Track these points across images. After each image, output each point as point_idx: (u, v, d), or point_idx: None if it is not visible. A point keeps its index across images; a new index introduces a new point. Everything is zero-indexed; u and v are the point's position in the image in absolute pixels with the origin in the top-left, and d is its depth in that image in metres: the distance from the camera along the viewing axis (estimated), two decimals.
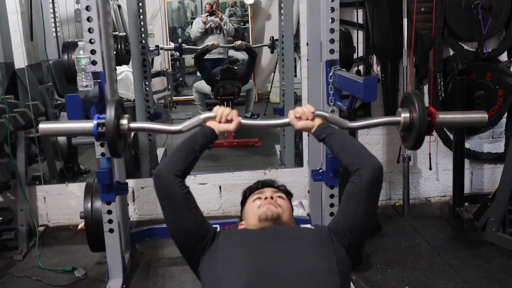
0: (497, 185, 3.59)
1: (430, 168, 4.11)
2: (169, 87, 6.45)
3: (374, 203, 1.73)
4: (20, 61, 4.29)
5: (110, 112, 1.90)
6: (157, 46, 4.91)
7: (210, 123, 1.88)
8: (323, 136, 1.85)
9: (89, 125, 1.96)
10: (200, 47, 6.09)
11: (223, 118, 1.87)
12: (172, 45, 6.99)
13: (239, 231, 1.90)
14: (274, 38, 5.39)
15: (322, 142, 1.87)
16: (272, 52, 5.68)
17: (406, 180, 3.97)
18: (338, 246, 1.71)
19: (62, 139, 4.36)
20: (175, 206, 1.73)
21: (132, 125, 1.99)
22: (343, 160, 1.79)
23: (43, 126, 2.03)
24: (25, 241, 3.55)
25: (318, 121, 1.90)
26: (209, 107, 6.47)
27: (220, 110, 1.88)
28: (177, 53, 7.01)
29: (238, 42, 6.01)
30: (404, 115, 1.93)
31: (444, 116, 1.97)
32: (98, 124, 1.93)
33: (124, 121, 1.95)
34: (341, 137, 1.83)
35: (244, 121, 1.93)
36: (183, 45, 6.12)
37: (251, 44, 7.03)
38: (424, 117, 1.85)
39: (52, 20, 4.81)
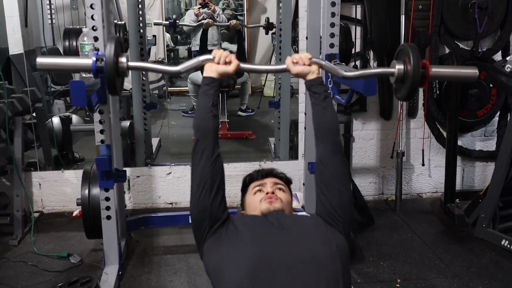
0: (488, 182, 3.65)
1: (423, 164, 4.17)
2: (164, 78, 6.44)
3: (347, 171, 1.91)
4: (14, 47, 4.26)
5: (109, 48, 1.86)
6: (154, 35, 4.91)
7: (208, 66, 1.87)
8: (315, 90, 1.89)
9: (87, 61, 1.93)
10: (196, 48, 6.10)
11: (221, 60, 1.86)
12: (167, 36, 7.00)
13: (243, 216, 1.92)
14: (269, 20, 5.39)
15: (310, 92, 1.90)
16: (266, 33, 5.64)
17: (399, 176, 4.03)
18: (332, 228, 1.76)
19: (57, 125, 4.36)
20: (208, 191, 1.76)
21: (131, 63, 1.96)
22: (314, 120, 1.88)
23: (41, 60, 1.96)
24: (21, 226, 3.56)
25: (315, 70, 1.91)
26: None
27: (219, 52, 1.88)
28: (172, 43, 7.02)
29: (234, 21, 6.02)
30: (398, 67, 1.93)
31: (437, 70, 1.98)
32: (97, 59, 1.89)
33: (123, 59, 1.92)
34: (327, 103, 1.88)
35: (242, 64, 1.93)
36: (177, 21, 6.11)
37: (246, 44, 7.05)
38: (418, 68, 1.86)
39: (48, 7, 4.79)
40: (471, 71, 2.01)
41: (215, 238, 1.74)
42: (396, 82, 1.99)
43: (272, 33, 5.35)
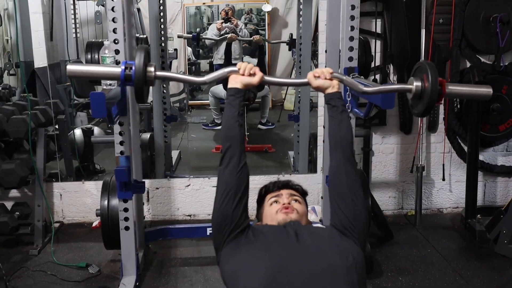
0: (510, 198, 3.61)
1: (443, 179, 4.12)
2: (186, 91, 6.50)
3: (359, 183, 1.88)
4: (39, 60, 4.36)
5: (139, 58, 1.93)
6: (175, 49, 4.96)
7: (233, 77, 1.93)
8: (333, 104, 1.93)
9: (116, 69, 1.99)
10: (218, 62, 6.15)
11: (246, 71, 1.92)
12: (189, 50, 7.07)
13: (263, 226, 1.93)
14: (293, 37, 5.42)
15: (328, 105, 1.95)
16: (289, 49, 5.68)
17: (418, 190, 3.98)
18: (347, 239, 1.76)
19: (79, 137, 4.43)
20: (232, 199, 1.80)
21: (159, 73, 2.02)
22: (330, 132, 1.93)
23: (71, 67, 2.03)
24: (41, 236, 3.61)
25: (335, 84, 1.96)
26: (222, 112, 6.50)
27: (244, 64, 1.94)
28: (193, 57, 7.10)
29: (257, 37, 6.08)
30: (416, 84, 1.97)
31: (453, 88, 2.02)
32: (126, 68, 1.95)
33: (151, 68, 1.98)
34: (343, 116, 1.92)
35: (266, 77, 1.98)
36: (201, 35, 6.18)
37: (267, 58, 7.11)
38: (436, 85, 1.89)
39: (73, 21, 4.89)
40: (485, 90, 2.05)
41: (234, 245, 1.76)
42: (413, 99, 2.03)
43: (293, 48, 5.38)
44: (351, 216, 1.79)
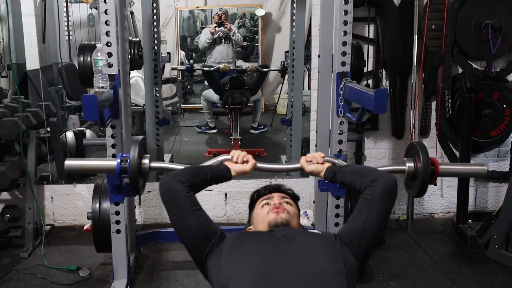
0: (501, 203, 3.61)
1: (435, 184, 4.10)
2: (178, 94, 6.50)
3: (385, 212, 1.75)
4: (31, 62, 4.34)
5: (134, 151, 2.02)
6: (168, 52, 4.96)
7: (226, 164, 1.98)
8: (333, 172, 1.95)
9: (112, 162, 2.09)
10: (211, 66, 6.17)
11: (239, 159, 1.97)
12: (182, 53, 7.08)
13: (249, 232, 1.93)
14: (285, 63, 5.41)
15: (334, 180, 1.95)
16: (282, 76, 5.76)
17: (410, 195, 3.99)
18: (345, 250, 1.74)
19: (71, 140, 4.41)
20: (180, 208, 1.76)
21: (153, 164, 2.11)
22: (359, 183, 1.83)
23: (69, 162, 2.14)
24: (32, 239, 3.58)
25: (327, 166, 2.01)
26: (216, 116, 6.52)
27: (236, 153, 1.99)
28: (186, 61, 7.11)
29: (250, 66, 6.15)
30: (409, 164, 2.07)
31: (445, 167, 2.11)
32: (121, 161, 2.05)
33: (145, 161, 2.08)
34: (352, 166, 1.96)
35: (259, 164, 2.04)
36: (194, 65, 6.17)
37: (260, 62, 7.14)
38: (428, 166, 1.96)
39: (66, 23, 4.88)
40: (480, 168, 2.14)
41: (217, 254, 1.75)
42: (407, 179, 2.12)
43: (286, 52, 5.39)
44: (359, 230, 1.74)
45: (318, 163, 2.01)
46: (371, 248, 1.78)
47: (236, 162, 1.97)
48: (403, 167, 2.08)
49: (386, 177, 1.77)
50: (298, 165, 2.08)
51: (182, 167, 2.10)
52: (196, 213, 1.77)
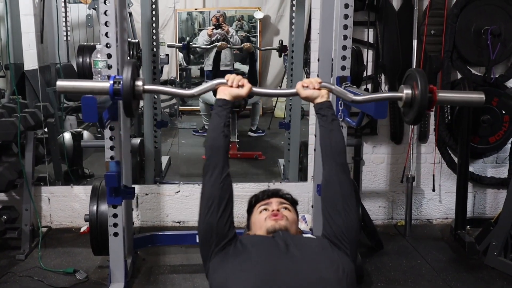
0: (500, 210, 3.61)
1: (434, 190, 4.13)
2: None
3: (353, 192, 1.85)
4: (29, 62, 4.32)
5: (127, 72, 1.95)
6: (167, 54, 4.95)
7: (222, 89, 1.93)
8: (323, 113, 1.93)
9: (105, 84, 2.01)
10: (209, 68, 6.18)
11: (234, 83, 1.92)
12: (180, 55, 7.07)
13: (251, 237, 1.92)
14: (283, 42, 5.42)
15: (318, 115, 1.95)
16: (280, 55, 5.73)
17: (409, 201, 3.99)
18: (338, 251, 1.75)
19: (68, 141, 4.39)
20: (216, 209, 1.78)
21: (147, 86, 2.03)
22: (321, 142, 1.91)
23: (61, 82, 2.05)
24: (28, 241, 3.56)
25: (324, 94, 1.97)
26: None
27: (232, 76, 1.94)
28: (184, 62, 7.10)
29: (247, 44, 6.11)
30: (406, 91, 1.97)
31: (444, 94, 2.01)
32: (114, 82, 1.98)
33: (139, 82, 2.00)
34: (334, 125, 1.91)
35: (255, 88, 1.99)
36: (191, 43, 6.16)
37: (258, 65, 7.13)
38: (426, 93, 1.89)
39: (64, 24, 4.86)
40: (478, 96, 2.03)
41: (221, 256, 1.74)
42: (404, 107, 2.02)
43: (284, 55, 5.39)
44: (343, 226, 1.77)
45: (314, 88, 1.96)
46: (357, 239, 1.85)
47: (231, 86, 1.93)
48: (400, 94, 1.98)
49: (342, 174, 1.85)
50: (294, 91, 2.03)
51: (176, 90, 2.21)
52: (224, 213, 1.77)
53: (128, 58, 3.27)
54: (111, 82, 1.99)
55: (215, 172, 1.78)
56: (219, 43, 5.99)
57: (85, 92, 2.14)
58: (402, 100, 1.99)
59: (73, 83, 2.11)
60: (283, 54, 5.57)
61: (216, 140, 1.82)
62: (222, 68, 6.53)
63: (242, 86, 1.93)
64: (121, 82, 1.96)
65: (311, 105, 3.78)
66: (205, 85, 2.01)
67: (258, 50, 7.15)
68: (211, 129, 1.86)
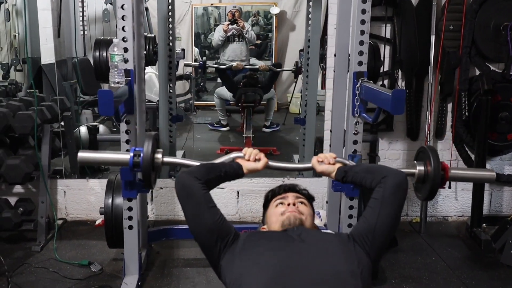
0: None
1: (450, 187, 4.09)
2: (192, 91, 6.50)
3: (397, 208, 1.77)
4: (46, 56, 4.35)
5: (147, 146, 2.05)
6: (183, 49, 4.95)
7: (238, 161, 1.98)
8: (344, 172, 1.95)
9: (125, 156, 2.12)
10: (224, 64, 6.17)
11: (251, 157, 1.98)
12: (196, 50, 7.08)
13: (263, 232, 1.92)
14: (299, 63, 5.38)
15: (345, 180, 1.95)
16: (295, 77, 5.70)
17: None
18: (359, 249, 1.73)
19: (84, 135, 4.42)
20: (195, 205, 1.77)
21: (166, 159, 2.13)
22: (369, 181, 1.84)
23: (82, 154, 2.15)
24: (44, 233, 3.59)
25: (338, 166, 2.01)
26: (228, 113, 6.51)
27: (249, 150, 2.00)
28: (200, 57, 7.13)
29: (263, 65, 6.13)
30: (419, 168, 2.06)
31: (456, 171, 2.11)
32: (134, 155, 2.08)
33: (158, 155, 2.10)
34: (362, 165, 1.98)
35: (271, 162, 2.06)
36: (207, 63, 6.14)
37: (274, 61, 7.14)
38: (439, 171, 1.96)
39: (81, 18, 4.89)
40: (489, 174, 2.15)
41: (230, 253, 1.74)
42: (417, 182, 2.11)
43: (300, 50, 5.36)
44: (372, 227, 1.73)
45: (329, 163, 2.01)
46: (383, 246, 1.78)
47: (248, 160, 1.97)
48: (413, 170, 2.08)
49: (396, 173, 1.80)
50: (309, 165, 2.09)
51: (195, 162, 2.13)
52: (211, 210, 1.77)
53: (144, 52, 3.27)
54: (131, 154, 2.09)
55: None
56: (234, 64, 5.99)
57: (105, 163, 2.25)
58: (415, 176, 2.07)
59: (93, 155, 2.24)
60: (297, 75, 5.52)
61: (194, 181, 1.78)
62: (237, 62, 6.52)
63: (258, 160, 1.99)
64: (141, 155, 2.05)
65: (328, 100, 3.79)
66: (222, 159, 2.05)
67: (274, 45, 7.15)
68: (207, 166, 1.90)
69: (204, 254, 1.82)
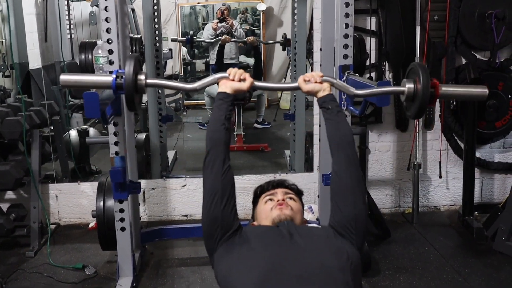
0: (507, 194, 3.59)
1: (440, 176, 4.11)
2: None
3: (362, 183, 1.88)
4: (34, 61, 4.33)
5: (129, 66, 1.96)
6: (170, 49, 4.94)
7: (223, 82, 1.95)
8: (327, 106, 1.93)
9: (108, 78, 2.03)
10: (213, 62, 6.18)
11: (236, 77, 1.94)
12: (184, 50, 7.06)
13: (255, 227, 1.92)
14: (287, 36, 5.41)
15: (323, 108, 1.95)
16: (283, 49, 5.71)
17: (415, 188, 3.98)
18: (343, 239, 1.76)
19: (74, 138, 4.41)
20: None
21: (149, 80, 2.05)
22: (328, 135, 1.91)
23: (64, 77, 2.07)
24: (37, 238, 3.59)
25: (326, 87, 1.97)
26: None
27: (234, 70, 1.95)
28: (188, 56, 7.11)
29: (251, 38, 6.12)
30: (408, 86, 1.97)
31: (446, 89, 2.01)
32: (117, 77, 1.99)
33: (141, 76, 2.01)
34: (340, 117, 1.91)
35: (256, 82, 2.01)
36: (194, 37, 6.15)
37: (263, 57, 7.10)
38: (428, 88, 1.89)
39: (67, 22, 4.87)
40: (480, 90, 2.04)
41: (227, 246, 1.75)
42: (407, 101, 2.03)
43: (288, 47, 5.37)
44: (351, 217, 1.78)
45: (316, 82, 1.97)
46: (365, 227, 1.84)
47: (233, 80, 1.94)
48: (402, 89, 2.00)
49: (346, 154, 1.86)
50: (295, 85, 2.03)
51: (177, 83, 2.22)
52: (228, 205, 1.78)
53: (130, 53, 3.26)
54: (114, 76, 2.00)
55: (216, 165, 1.80)
56: (222, 37, 5.99)
57: (87, 86, 2.15)
58: (404, 95, 2.00)
59: (76, 77, 2.14)
60: (286, 47, 5.56)
61: (216, 133, 1.83)
62: (227, 61, 6.51)
63: (243, 80, 1.94)
64: (124, 76, 1.97)
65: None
66: (207, 79, 2.02)
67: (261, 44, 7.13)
68: (212, 121, 1.88)
69: (204, 238, 1.83)
